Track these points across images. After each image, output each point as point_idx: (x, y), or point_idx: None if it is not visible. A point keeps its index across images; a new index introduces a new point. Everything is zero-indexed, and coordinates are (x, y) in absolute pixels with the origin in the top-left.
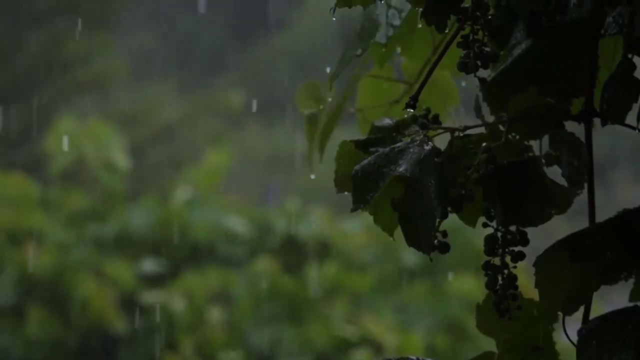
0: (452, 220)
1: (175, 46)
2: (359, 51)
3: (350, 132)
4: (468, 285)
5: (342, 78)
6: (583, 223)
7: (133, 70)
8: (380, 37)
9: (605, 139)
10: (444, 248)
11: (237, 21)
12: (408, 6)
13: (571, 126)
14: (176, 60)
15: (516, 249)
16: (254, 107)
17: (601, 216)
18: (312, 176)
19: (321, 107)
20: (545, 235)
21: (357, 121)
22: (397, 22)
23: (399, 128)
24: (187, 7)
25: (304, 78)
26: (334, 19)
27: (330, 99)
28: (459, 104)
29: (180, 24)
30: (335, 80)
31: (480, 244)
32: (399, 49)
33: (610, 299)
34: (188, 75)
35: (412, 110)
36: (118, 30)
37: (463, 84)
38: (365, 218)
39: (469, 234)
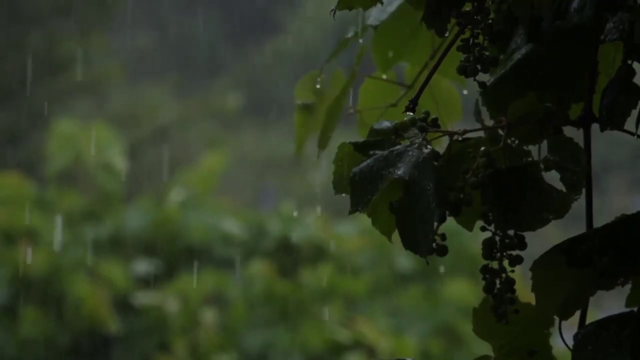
0: (446, 224)
1: (171, 48)
2: (351, 34)
3: (348, 134)
4: (462, 290)
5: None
6: (577, 229)
7: (129, 71)
8: (372, 20)
9: (601, 145)
10: (442, 251)
11: (234, 24)
12: None
13: (570, 131)
14: (173, 62)
15: (514, 253)
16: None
17: (596, 223)
18: (305, 177)
19: (318, 99)
20: (538, 240)
21: (357, 122)
22: (391, 9)
23: (398, 131)
24: (184, 9)
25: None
26: (334, 20)
27: (323, 86)
28: (461, 118)
29: (177, 26)
30: (326, 65)
31: (474, 248)
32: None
33: (602, 305)
34: (184, 77)
35: (411, 113)
36: (115, 32)
37: (465, 92)
38: (359, 222)
39: (463, 239)
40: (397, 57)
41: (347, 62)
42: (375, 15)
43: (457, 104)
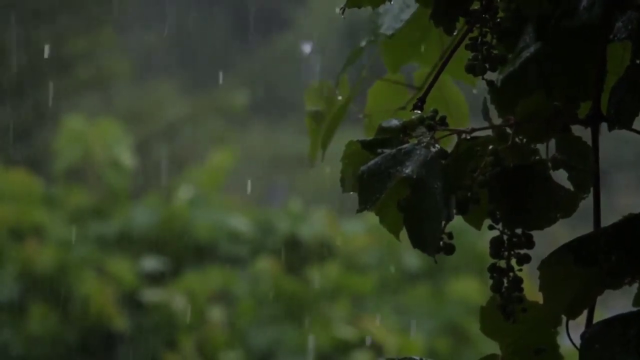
0: (453, 222)
1: (179, 45)
2: (364, 43)
3: (356, 134)
4: (469, 289)
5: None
6: (585, 228)
7: (136, 68)
8: (386, 28)
9: (609, 144)
10: (450, 250)
11: (243, 21)
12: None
13: (578, 130)
14: (180, 59)
15: (522, 251)
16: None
17: (604, 222)
18: (312, 166)
19: (328, 107)
20: (546, 239)
21: (364, 126)
22: (404, 16)
23: (406, 129)
24: (192, 6)
25: (308, 79)
26: (343, 17)
27: (340, 97)
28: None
29: (185, 22)
30: (342, 76)
31: (481, 246)
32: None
33: (608, 304)
34: (192, 74)
35: (419, 112)
36: (122, 28)
37: (474, 91)
38: (367, 219)
39: (471, 237)
40: (407, 59)
41: (356, 64)
42: (389, 23)
43: (464, 110)
